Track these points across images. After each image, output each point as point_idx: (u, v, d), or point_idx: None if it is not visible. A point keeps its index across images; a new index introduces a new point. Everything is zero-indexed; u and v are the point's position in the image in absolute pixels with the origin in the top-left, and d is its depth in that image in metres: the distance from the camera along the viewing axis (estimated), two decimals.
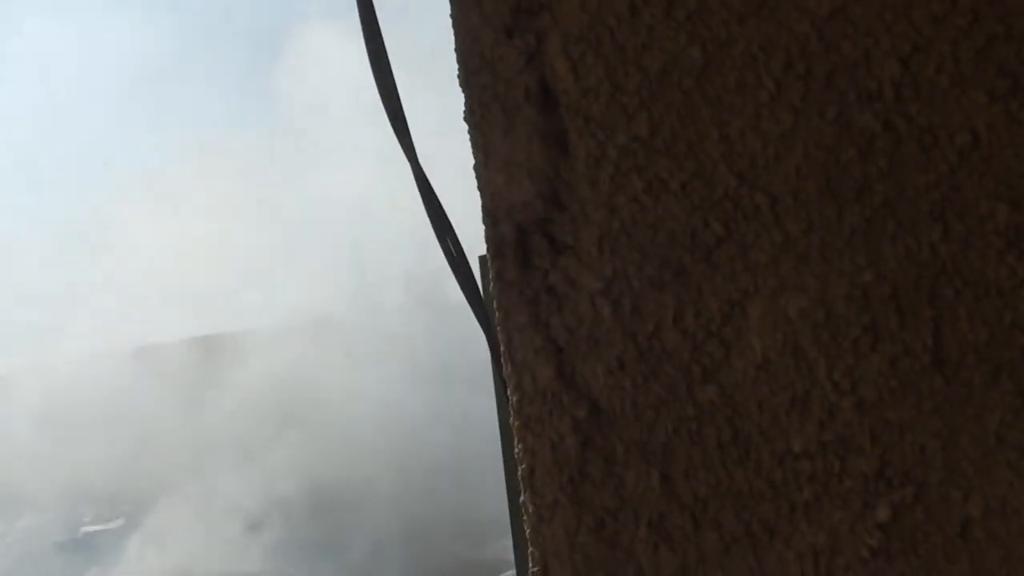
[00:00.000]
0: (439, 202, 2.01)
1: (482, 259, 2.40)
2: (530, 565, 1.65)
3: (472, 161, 1.69)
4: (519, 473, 1.64)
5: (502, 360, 1.65)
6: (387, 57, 2.06)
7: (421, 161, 2.09)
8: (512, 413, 1.64)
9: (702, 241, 1.62)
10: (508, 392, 1.64)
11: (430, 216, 2.01)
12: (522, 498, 1.64)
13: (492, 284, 1.65)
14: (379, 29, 2.09)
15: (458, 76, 1.69)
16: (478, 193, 1.70)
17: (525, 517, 1.64)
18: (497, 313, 1.65)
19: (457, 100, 1.69)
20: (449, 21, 1.70)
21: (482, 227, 2.14)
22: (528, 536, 1.64)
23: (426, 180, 1.99)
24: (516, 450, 1.65)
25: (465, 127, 1.69)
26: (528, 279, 1.65)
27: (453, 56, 1.70)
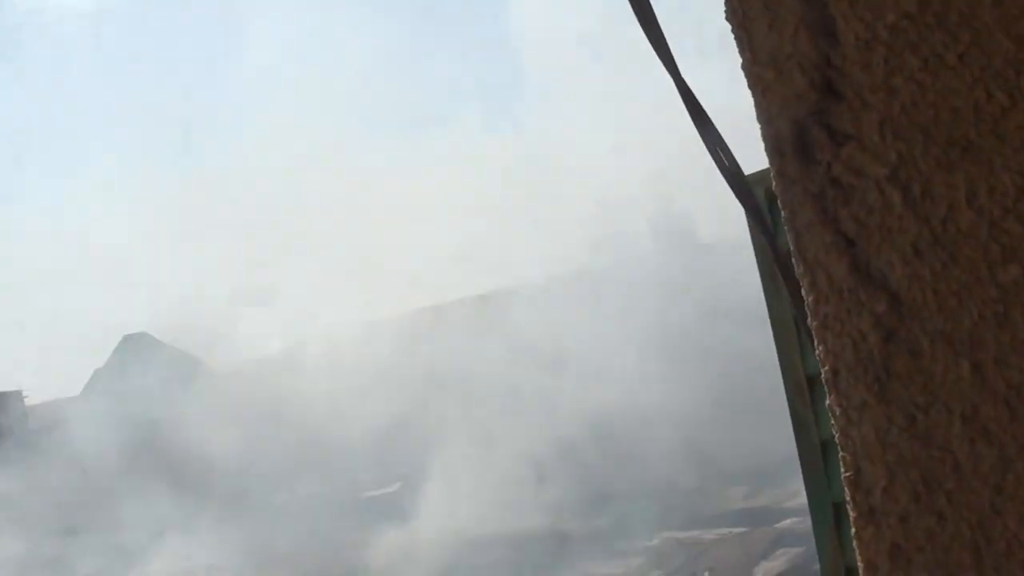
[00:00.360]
0: (705, 111, 1.95)
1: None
2: (842, 470, 1.59)
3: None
4: (822, 376, 1.58)
5: (793, 261, 1.60)
6: None
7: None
8: (808, 314, 1.59)
9: (987, 113, 1.52)
10: (802, 293, 1.58)
11: (697, 127, 1.95)
12: (828, 402, 1.58)
13: (774, 183, 1.59)
14: None
15: None
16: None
17: (832, 421, 1.58)
18: (782, 213, 1.59)
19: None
20: None
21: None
22: (838, 440, 1.58)
23: (688, 89, 1.93)
24: (816, 352, 1.59)
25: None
26: (811, 174, 1.58)
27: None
